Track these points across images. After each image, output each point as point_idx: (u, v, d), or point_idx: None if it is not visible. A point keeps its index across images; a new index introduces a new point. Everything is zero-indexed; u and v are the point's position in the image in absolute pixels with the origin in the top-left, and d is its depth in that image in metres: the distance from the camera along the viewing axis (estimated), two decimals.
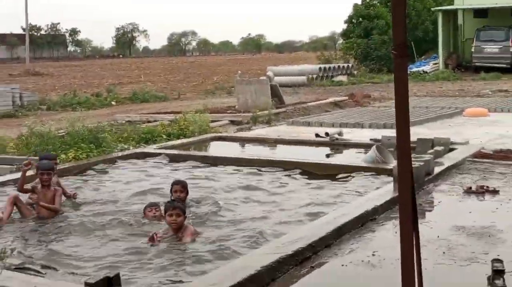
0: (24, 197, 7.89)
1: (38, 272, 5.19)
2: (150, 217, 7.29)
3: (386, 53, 38.41)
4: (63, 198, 8.19)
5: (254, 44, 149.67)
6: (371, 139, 12.25)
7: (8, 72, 52.15)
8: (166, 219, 6.63)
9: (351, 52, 42.98)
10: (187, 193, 7.83)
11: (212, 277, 4.94)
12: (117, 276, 4.90)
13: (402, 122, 2.65)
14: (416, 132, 12.38)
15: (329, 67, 35.95)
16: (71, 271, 5.41)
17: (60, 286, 4.67)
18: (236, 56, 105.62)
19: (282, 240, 5.91)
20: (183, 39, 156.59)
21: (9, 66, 66.81)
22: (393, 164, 9.39)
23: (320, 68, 35.28)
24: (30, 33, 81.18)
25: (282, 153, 12.12)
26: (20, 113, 22.52)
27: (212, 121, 16.47)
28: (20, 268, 5.20)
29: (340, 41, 59.28)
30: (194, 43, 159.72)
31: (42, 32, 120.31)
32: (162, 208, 7.11)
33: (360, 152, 11.59)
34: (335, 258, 5.55)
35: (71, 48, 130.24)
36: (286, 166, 10.25)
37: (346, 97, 23.23)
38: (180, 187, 7.78)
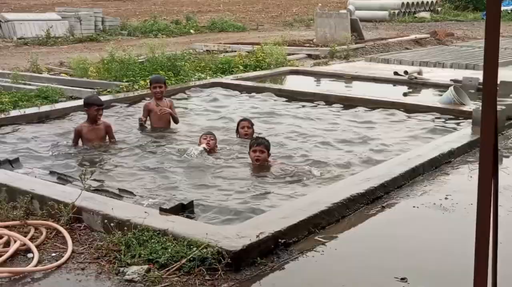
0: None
1: (116, 195, 5.39)
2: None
3: None
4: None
5: None
6: (451, 80, 11.93)
7: None
8: (250, 155, 6.76)
9: None
10: (253, 130, 7.93)
11: (284, 210, 5.03)
12: (191, 203, 5.07)
13: (491, 61, 2.55)
14: (499, 75, 11.96)
15: (412, 3, 34.79)
16: (147, 197, 5.60)
17: (136, 210, 4.84)
18: None
19: (354, 178, 5.93)
20: None
21: None
22: (469, 106, 9.19)
23: (402, 3, 34.18)
24: None
25: (359, 89, 11.97)
26: (101, 38, 22.95)
27: (289, 54, 16.37)
28: (98, 190, 5.41)
29: None
30: None
31: None
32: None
33: (440, 93, 11.32)
34: (406, 199, 5.53)
35: None
36: (362, 103, 10.14)
37: (428, 35, 22.56)
38: (248, 123, 7.92)
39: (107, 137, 7.80)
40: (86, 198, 5.04)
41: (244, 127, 7.88)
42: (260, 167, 6.68)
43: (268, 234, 4.41)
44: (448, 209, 5.25)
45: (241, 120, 8.10)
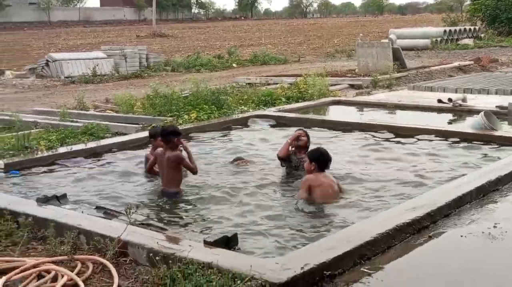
0: None
1: (161, 228, 5.42)
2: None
3: None
4: None
5: (376, 6, 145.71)
6: (497, 107, 11.76)
7: (135, 34, 54.01)
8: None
9: (478, 14, 41.10)
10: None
11: (329, 241, 4.98)
12: (235, 236, 5.06)
13: None
14: None
15: (455, 30, 34.59)
16: (191, 230, 5.61)
17: (181, 243, 4.86)
18: (357, 18, 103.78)
19: (399, 207, 5.85)
20: (304, 1, 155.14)
21: (137, 27, 69.04)
22: (501, 131, 9.12)
23: (445, 31, 34.04)
24: None
25: (403, 118, 11.87)
26: (146, 74, 23.34)
27: (332, 85, 16.38)
28: (143, 224, 5.45)
29: (467, 2, 56.80)
30: (315, 5, 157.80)
31: None
32: None
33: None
34: (454, 228, 5.43)
35: (195, 10, 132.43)
36: (406, 131, 10.05)
37: (472, 62, 22.35)
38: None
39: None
40: (132, 232, 5.08)
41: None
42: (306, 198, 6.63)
43: (313, 265, 4.37)
44: (497, 237, 5.14)
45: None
